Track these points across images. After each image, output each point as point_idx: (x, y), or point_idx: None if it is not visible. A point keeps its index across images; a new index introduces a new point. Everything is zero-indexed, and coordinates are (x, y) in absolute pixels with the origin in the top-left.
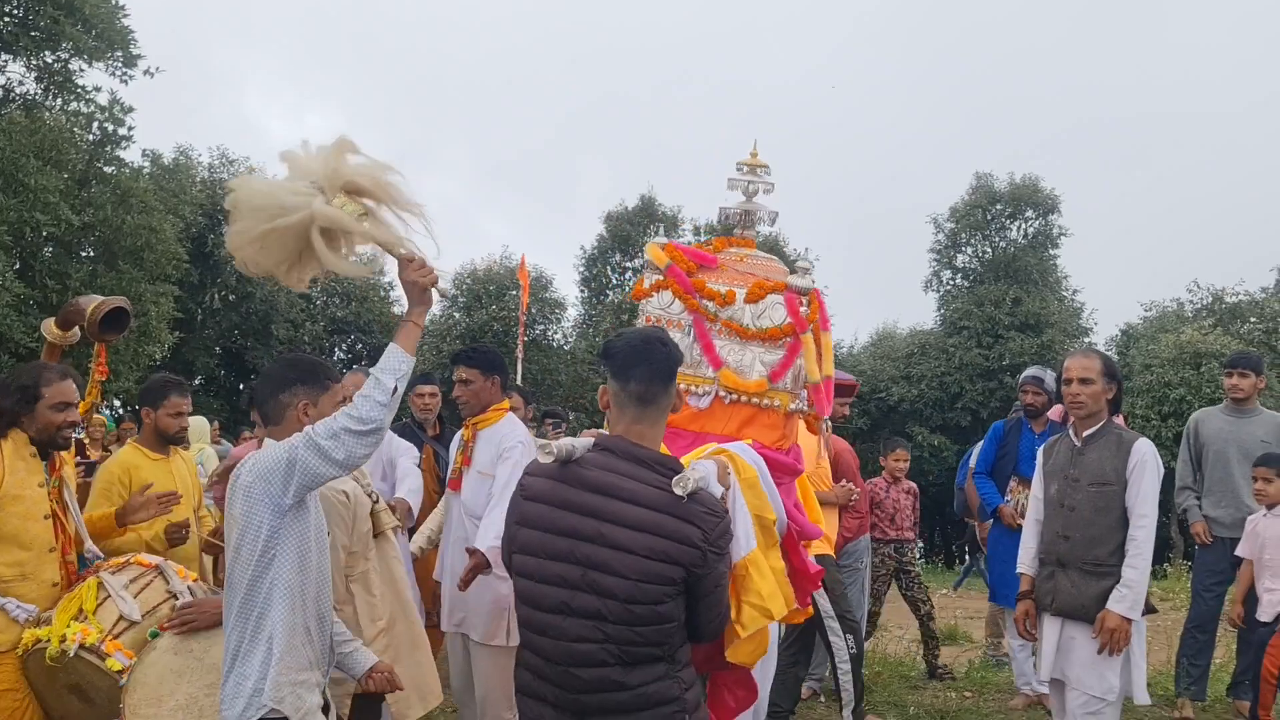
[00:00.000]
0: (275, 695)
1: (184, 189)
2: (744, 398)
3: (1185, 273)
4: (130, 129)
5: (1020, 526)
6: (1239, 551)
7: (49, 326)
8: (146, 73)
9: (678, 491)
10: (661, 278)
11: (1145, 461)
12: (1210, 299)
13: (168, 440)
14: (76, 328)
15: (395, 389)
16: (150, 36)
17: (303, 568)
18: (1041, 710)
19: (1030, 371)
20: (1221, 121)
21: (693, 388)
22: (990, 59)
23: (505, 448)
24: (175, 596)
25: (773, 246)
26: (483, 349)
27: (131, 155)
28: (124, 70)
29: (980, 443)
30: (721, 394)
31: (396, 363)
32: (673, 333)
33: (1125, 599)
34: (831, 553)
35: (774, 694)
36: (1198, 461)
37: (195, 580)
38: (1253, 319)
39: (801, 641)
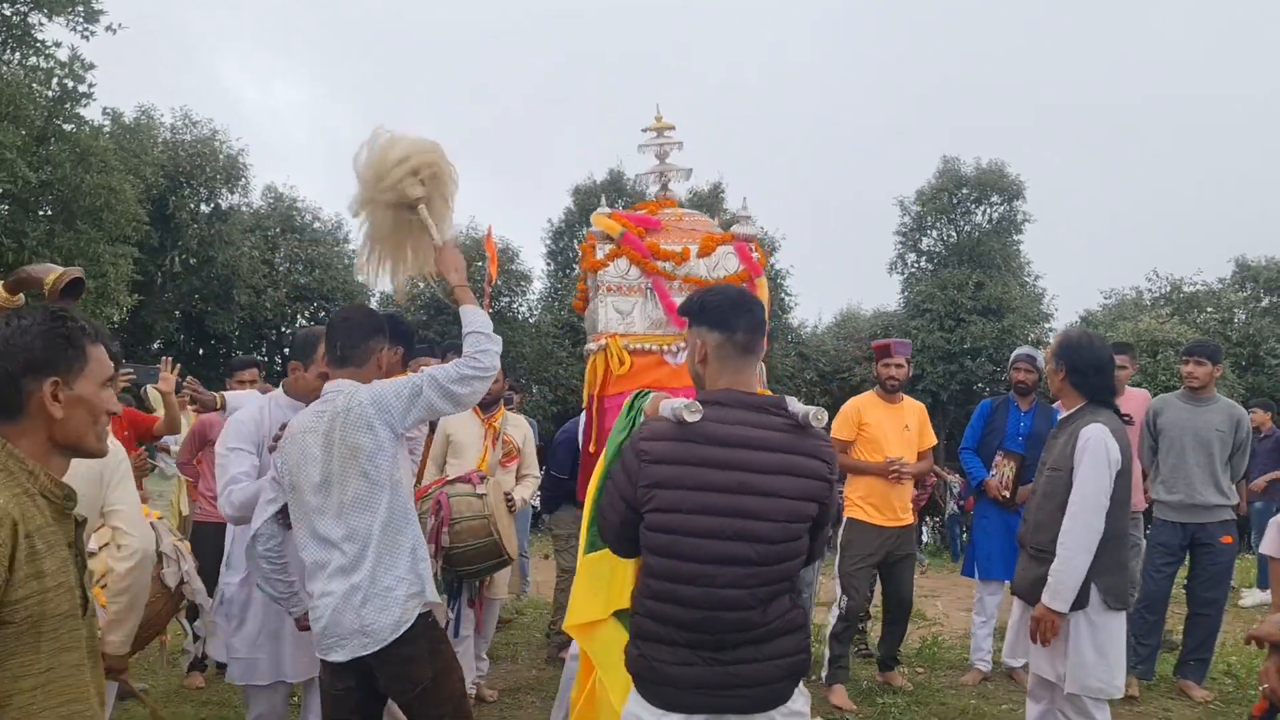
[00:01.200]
0: (433, 590)
1: (145, 149)
2: None
3: (1145, 262)
4: (91, 86)
5: (1005, 498)
6: (1263, 549)
7: None
8: (109, 29)
9: (812, 422)
10: (614, 247)
11: (1086, 448)
12: (1168, 288)
13: None
14: (23, 294)
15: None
16: None
17: (410, 486)
18: (991, 685)
19: (1023, 350)
20: (1184, 115)
21: (667, 347)
22: (961, 44)
23: None
24: None
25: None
26: (389, 317)
27: (92, 113)
28: (85, 26)
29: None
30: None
31: (484, 318)
32: (633, 298)
33: (1049, 590)
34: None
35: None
36: (1154, 449)
37: (160, 517)
38: (1209, 309)
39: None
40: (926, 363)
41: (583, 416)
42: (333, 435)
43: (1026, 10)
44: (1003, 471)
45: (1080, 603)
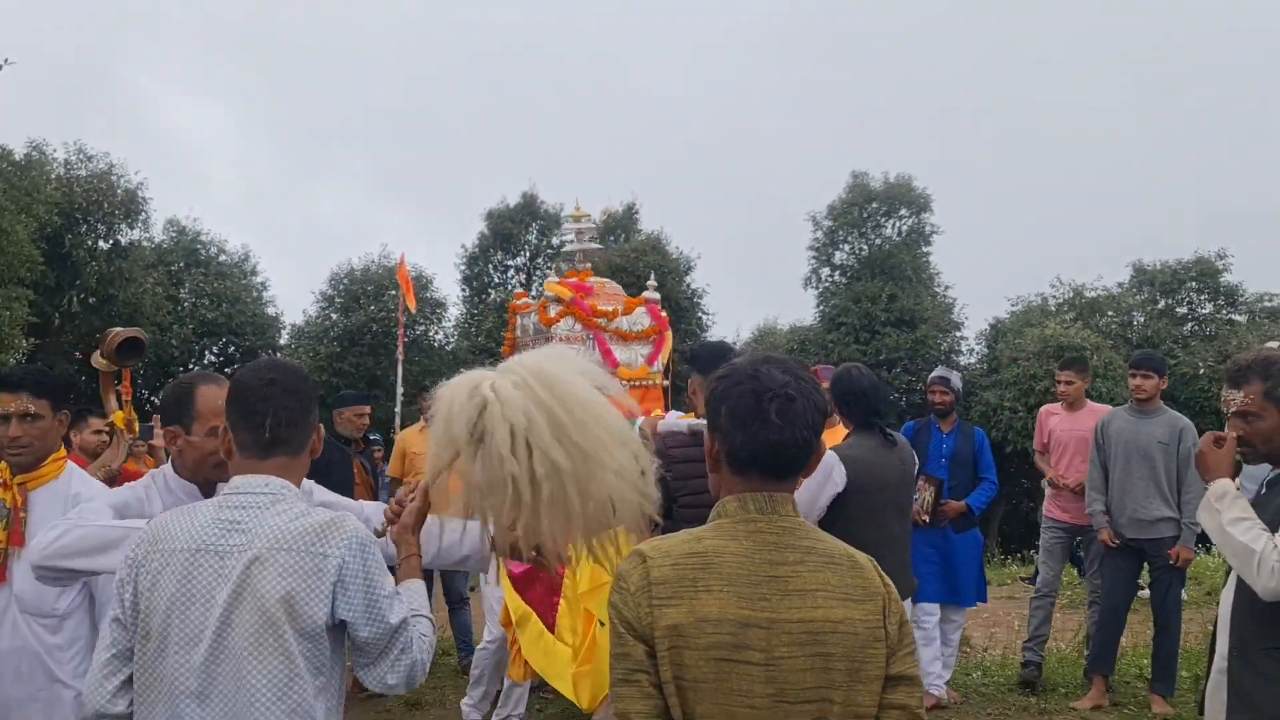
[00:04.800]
0: None
1: (37, 187)
2: (636, 383)
3: (1049, 269)
4: None
5: (924, 522)
6: None
7: (96, 358)
8: None
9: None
10: (563, 307)
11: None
12: (1071, 294)
13: None
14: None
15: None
16: (17, 28)
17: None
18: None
19: (937, 372)
20: (1079, 122)
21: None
22: (868, 60)
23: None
24: None
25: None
26: (41, 373)
27: None
28: None
29: None
30: (623, 384)
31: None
32: (577, 346)
33: None
34: None
35: None
36: (1105, 464)
37: None
38: (1110, 312)
39: None
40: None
41: None
42: (256, 572)
43: (930, 27)
44: (923, 495)
45: None
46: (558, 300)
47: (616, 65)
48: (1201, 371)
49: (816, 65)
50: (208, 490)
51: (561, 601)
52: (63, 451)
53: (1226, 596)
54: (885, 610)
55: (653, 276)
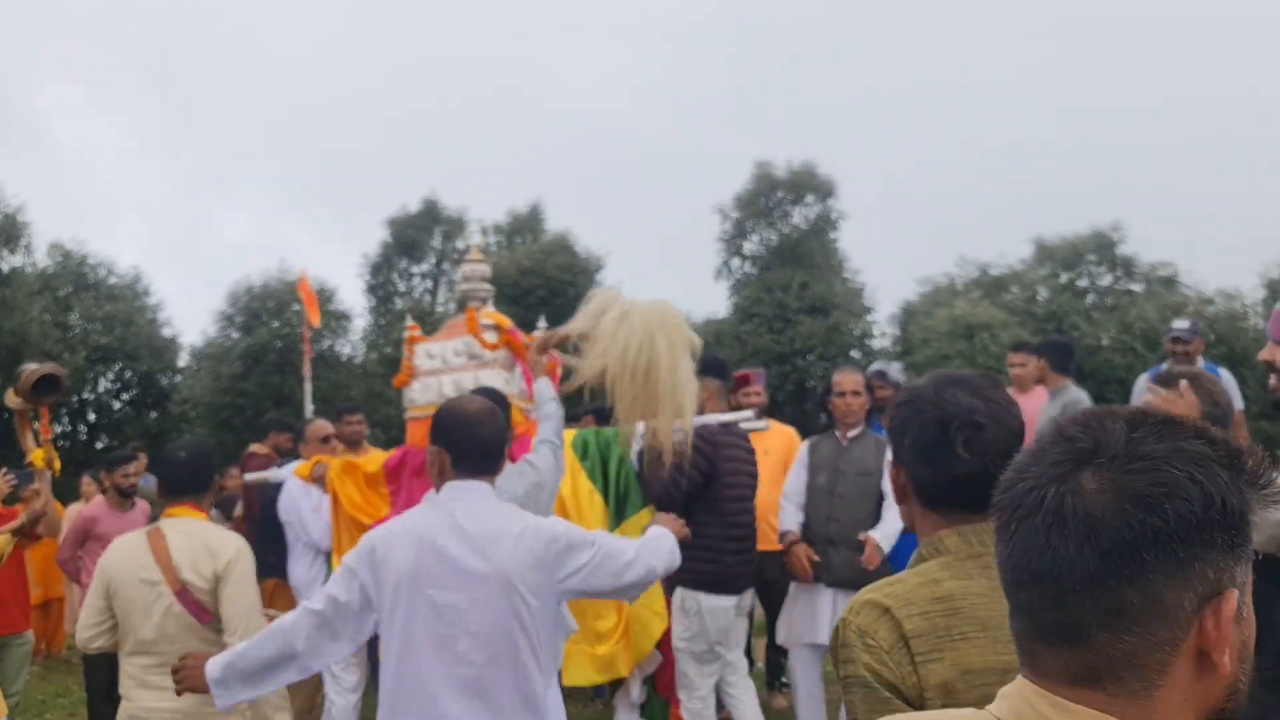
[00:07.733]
0: None
1: None
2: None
3: (954, 248)
4: None
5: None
6: None
7: (9, 396)
8: None
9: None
10: (504, 335)
11: None
12: (977, 272)
13: None
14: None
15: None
16: None
17: None
18: None
19: (874, 367)
20: (975, 98)
21: (527, 406)
22: (770, 45)
23: None
24: None
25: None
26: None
27: None
28: None
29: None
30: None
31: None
32: (501, 372)
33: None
34: None
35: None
36: None
37: None
38: (1015, 289)
39: None
40: (759, 366)
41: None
42: None
43: (820, 7)
44: None
45: None
46: (497, 329)
47: (513, 63)
48: (1105, 343)
49: (716, 53)
50: None
51: None
52: None
53: None
54: None
55: (542, 319)
